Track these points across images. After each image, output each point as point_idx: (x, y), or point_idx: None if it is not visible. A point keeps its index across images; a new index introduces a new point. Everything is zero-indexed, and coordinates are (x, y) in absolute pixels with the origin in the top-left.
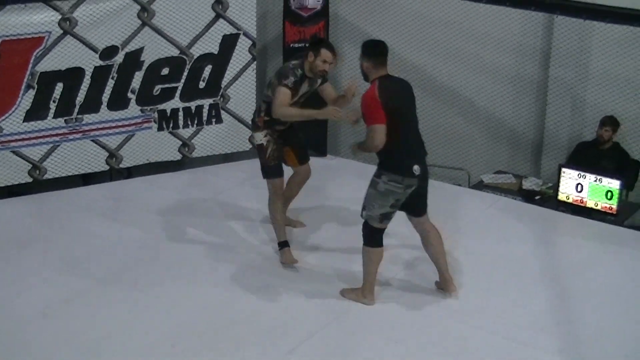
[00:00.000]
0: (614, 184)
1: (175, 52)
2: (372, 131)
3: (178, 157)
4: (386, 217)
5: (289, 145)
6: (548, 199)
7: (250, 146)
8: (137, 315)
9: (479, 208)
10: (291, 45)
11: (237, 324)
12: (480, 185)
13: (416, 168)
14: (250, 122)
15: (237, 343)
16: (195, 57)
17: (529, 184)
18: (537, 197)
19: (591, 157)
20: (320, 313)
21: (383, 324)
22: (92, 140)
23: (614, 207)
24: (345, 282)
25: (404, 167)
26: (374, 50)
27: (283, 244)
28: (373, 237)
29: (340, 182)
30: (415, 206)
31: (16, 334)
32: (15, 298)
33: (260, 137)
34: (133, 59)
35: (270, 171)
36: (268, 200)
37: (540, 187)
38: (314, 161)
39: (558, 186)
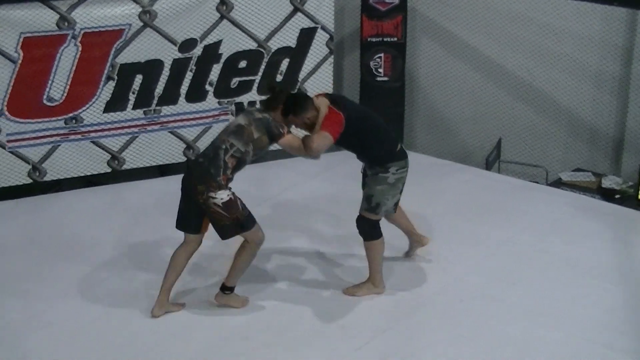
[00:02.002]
0: None
1: (253, 45)
2: (317, 136)
3: None
4: (396, 203)
5: None
6: (628, 198)
7: None
8: (212, 310)
9: (557, 206)
10: (368, 39)
11: (305, 321)
12: (558, 183)
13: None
14: (201, 181)
15: (306, 339)
16: (272, 50)
17: (608, 182)
18: (616, 196)
19: None
20: (388, 311)
21: (450, 322)
22: (170, 132)
23: None
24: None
25: (400, 151)
26: (304, 105)
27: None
28: (375, 229)
29: (417, 177)
30: None
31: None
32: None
33: (225, 195)
34: (211, 52)
35: (250, 220)
36: (244, 249)
37: (620, 185)
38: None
39: (639, 185)
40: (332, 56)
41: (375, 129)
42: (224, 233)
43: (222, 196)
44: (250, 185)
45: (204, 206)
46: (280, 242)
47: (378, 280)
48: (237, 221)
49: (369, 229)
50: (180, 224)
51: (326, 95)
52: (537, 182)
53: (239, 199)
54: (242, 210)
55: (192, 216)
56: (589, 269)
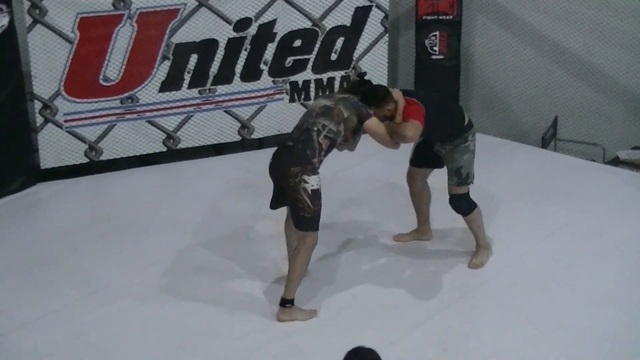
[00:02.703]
0: None
1: (307, 24)
2: (408, 124)
3: None
4: None
5: None
6: None
7: None
8: (267, 286)
9: (615, 185)
10: (423, 17)
11: (360, 301)
12: (615, 162)
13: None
14: (295, 163)
15: (359, 320)
16: (327, 29)
17: None
18: None
19: None
20: (443, 293)
21: (504, 305)
22: (225, 111)
23: None
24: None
25: (469, 121)
26: (385, 97)
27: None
28: (470, 201)
29: None
30: (432, 159)
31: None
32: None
33: (316, 181)
34: (266, 31)
35: (318, 221)
36: (299, 253)
37: None
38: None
39: None
40: (387, 34)
41: (448, 112)
42: (299, 223)
43: (313, 182)
44: None
45: (292, 191)
46: (338, 220)
47: (487, 243)
48: (315, 216)
49: (466, 204)
50: (272, 204)
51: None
52: (595, 161)
53: None
54: (320, 207)
55: (283, 197)
56: None
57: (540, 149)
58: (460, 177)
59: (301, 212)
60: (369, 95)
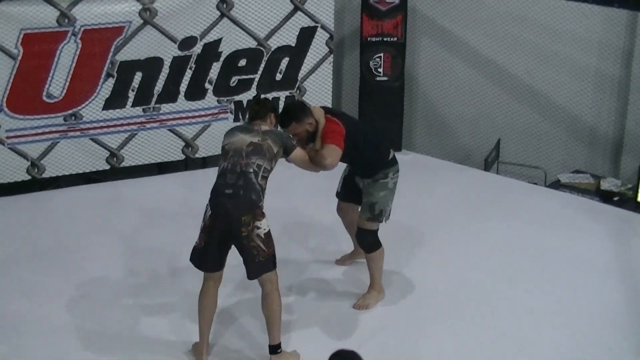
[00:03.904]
0: None
1: (253, 44)
2: (326, 149)
3: None
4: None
5: None
6: (627, 200)
7: None
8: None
9: (556, 207)
10: (368, 39)
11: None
12: (557, 185)
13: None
14: (245, 212)
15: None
16: (272, 49)
17: (607, 184)
18: (615, 198)
19: None
20: (389, 309)
21: (451, 320)
22: (169, 130)
23: None
24: None
25: (393, 157)
26: (304, 109)
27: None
28: (376, 239)
29: (415, 178)
30: (356, 193)
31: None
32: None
33: (266, 224)
34: (211, 50)
35: (274, 260)
36: (270, 297)
37: (619, 188)
38: None
39: (638, 187)
40: (332, 55)
41: (372, 139)
42: (255, 271)
43: (264, 226)
44: None
45: (244, 240)
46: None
47: (380, 286)
48: (270, 257)
49: (371, 241)
50: (208, 265)
51: (319, 107)
52: (536, 184)
53: None
54: (274, 245)
55: (221, 253)
56: (589, 268)
57: (483, 171)
58: (373, 213)
59: (256, 258)
60: (289, 111)
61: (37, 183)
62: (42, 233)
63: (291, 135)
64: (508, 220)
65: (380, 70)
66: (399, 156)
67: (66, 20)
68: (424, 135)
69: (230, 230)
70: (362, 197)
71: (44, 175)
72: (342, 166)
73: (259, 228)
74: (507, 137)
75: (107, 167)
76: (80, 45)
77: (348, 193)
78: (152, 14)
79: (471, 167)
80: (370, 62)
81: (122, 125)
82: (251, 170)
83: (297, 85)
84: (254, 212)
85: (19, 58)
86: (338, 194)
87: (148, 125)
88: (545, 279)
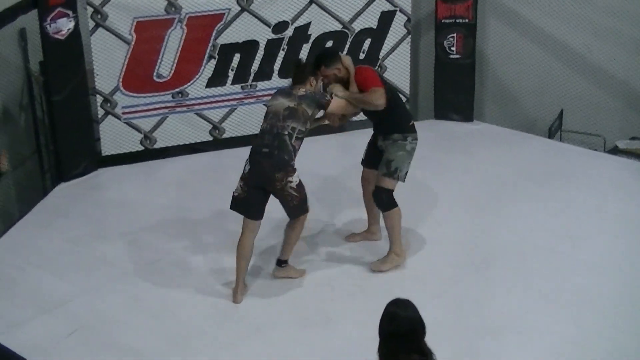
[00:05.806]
0: None
1: (338, 27)
2: (374, 92)
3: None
4: (406, 174)
5: None
6: None
7: None
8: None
9: (614, 172)
10: (442, 21)
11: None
12: (615, 151)
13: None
14: (278, 169)
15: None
16: (356, 31)
17: None
18: None
19: None
20: (461, 261)
21: (515, 276)
22: (264, 104)
23: None
24: None
25: (412, 125)
26: (333, 56)
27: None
28: (392, 199)
29: (485, 145)
30: (381, 159)
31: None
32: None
33: (297, 177)
34: (301, 33)
35: (306, 203)
36: (295, 227)
37: None
38: (461, 126)
39: None
40: (409, 36)
41: (398, 100)
42: (293, 213)
43: (295, 179)
44: None
45: (280, 192)
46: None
47: (400, 248)
48: (302, 201)
49: (386, 199)
50: (250, 213)
51: (348, 56)
52: (596, 150)
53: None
54: (305, 190)
55: (261, 204)
56: None
57: (547, 139)
58: (389, 169)
59: (290, 203)
60: (320, 56)
61: (149, 153)
62: (155, 197)
63: (326, 92)
64: (571, 183)
65: (453, 49)
66: (471, 126)
67: (173, 9)
68: (493, 106)
69: (266, 184)
70: (383, 156)
71: (155, 146)
72: (366, 138)
73: (291, 182)
74: (569, 107)
75: (210, 138)
76: (185, 31)
77: (372, 159)
78: (249, 1)
79: (537, 135)
80: (444, 42)
81: (223, 101)
82: (286, 132)
83: (378, 64)
84: (287, 170)
85: (132, 43)
86: (363, 162)
87: (246, 101)
88: (604, 236)
